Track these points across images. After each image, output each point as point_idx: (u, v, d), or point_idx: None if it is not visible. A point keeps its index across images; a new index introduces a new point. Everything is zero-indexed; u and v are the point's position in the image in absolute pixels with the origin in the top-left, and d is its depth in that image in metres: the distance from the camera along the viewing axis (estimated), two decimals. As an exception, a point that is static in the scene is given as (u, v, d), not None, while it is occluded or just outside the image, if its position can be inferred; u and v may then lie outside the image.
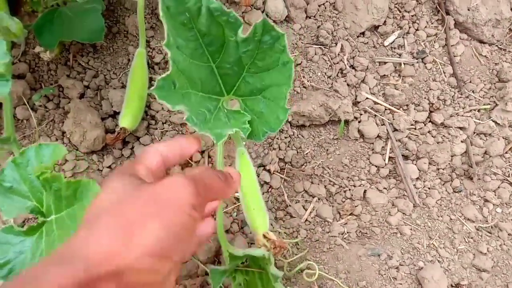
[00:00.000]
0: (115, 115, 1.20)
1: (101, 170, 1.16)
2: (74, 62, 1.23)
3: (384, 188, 1.20)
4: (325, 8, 1.33)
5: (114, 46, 1.24)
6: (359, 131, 1.25)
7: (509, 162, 1.27)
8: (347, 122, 1.26)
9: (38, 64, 1.24)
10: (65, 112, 1.19)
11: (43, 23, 1.12)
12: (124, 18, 1.24)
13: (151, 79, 1.22)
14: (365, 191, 1.19)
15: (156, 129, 1.20)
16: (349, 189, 1.19)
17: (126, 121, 1.12)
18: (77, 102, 1.18)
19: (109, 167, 1.16)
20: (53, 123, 1.19)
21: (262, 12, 1.28)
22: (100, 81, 1.21)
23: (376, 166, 1.23)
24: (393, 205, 1.20)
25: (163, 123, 1.21)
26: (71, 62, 1.23)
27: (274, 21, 1.28)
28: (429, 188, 1.22)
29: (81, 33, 1.11)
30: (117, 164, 1.17)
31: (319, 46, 1.29)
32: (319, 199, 1.18)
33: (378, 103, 1.28)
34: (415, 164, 1.25)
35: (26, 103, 1.20)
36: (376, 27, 1.37)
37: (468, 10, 1.40)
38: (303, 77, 1.25)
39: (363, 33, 1.35)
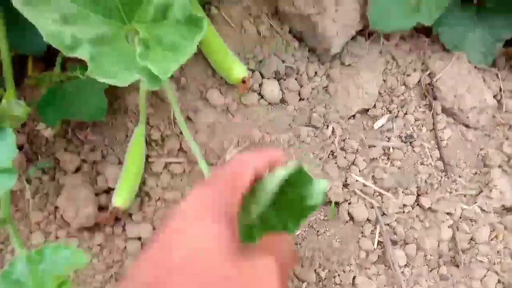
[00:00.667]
0: (109, 191, 1.22)
1: (91, 248, 1.16)
2: (73, 136, 1.26)
3: (373, 274, 1.21)
4: (318, 91, 1.39)
5: (113, 121, 1.27)
6: (349, 213, 1.28)
7: (494, 249, 1.29)
8: (337, 204, 1.29)
9: (37, 136, 1.26)
10: (59, 186, 1.21)
11: (46, 101, 1.16)
12: (125, 95, 1.28)
13: (147, 157, 1.24)
14: (354, 277, 1.20)
15: (150, 206, 1.21)
16: (339, 275, 1.20)
17: (120, 200, 1.13)
18: (72, 177, 1.19)
19: (100, 245, 1.16)
20: (46, 197, 1.20)
21: (258, 94, 1.33)
22: (97, 156, 1.23)
23: (365, 251, 1.25)
24: (381, 291, 1.21)
25: (156, 201, 1.22)
26: (69, 136, 1.26)
27: (269, 103, 1.33)
28: (416, 276, 1.23)
29: (83, 112, 1.15)
30: (107, 241, 1.17)
31: (311, 128, 1.33)
32: (309, 283, 1.18)
33: (368, 186, 1.31)
34: (403, 250, 1.27)
35: (21, 175, 1.21)
36: (366, 110, 1.42)
37: (455, 97, 1.47)
38: (295, 158, 1.29)
39: (353, 116, 1.41)
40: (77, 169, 1.23)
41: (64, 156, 1.22)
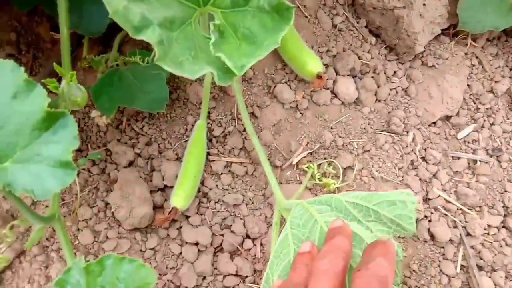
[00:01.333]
0: (165, 189, 1.10)
1: (144, 252, 1.04)
2: (127, 126, 1.15)
3: (458, 304, 1.06)
4: (397, 92, 1.24)
5: (172, 113, 1.15)
6: (429, 232, 1.13)
7: None
8: (416, 220, 1.13)
9: (88, 124, 1.16)
10: (110, 180, 1.09)
11: (102, 86, 1.05)
12: (186, 85, 1.17)
13: (208, 154, 1.12)
14: (437, 307, 1.04)
15: (208, 208, 1.09)
16: (419, 303, 1.05)
17: (178, 201, 1.01)
18: (125, 171, 1.08)
19: (153, 248, 1.04)
20: (96, 191, 1.09)
21: (332, 92, 1.19)
22: (153, 150, 1.12)
23: (447, 276, 1.09)
24: (466, 324, 1.05)
25: (215, 202, 1.10)
26: (123, 126, 1.15)
27: (342, 103, 1.19)
28: (508, 309, 1.07)
29: (143, 101, 1.03)
30: (161, 246, 1.05)
31: (389, 133, 1.19)
32: (384, 310, 1.03)
33: (450, 202, 1.16)
34: (490, 277, 1.11)
35: (70, 165, 1.10)
36: (448, 117, 1.27)
37: (548, 108, 1.30)
38: (372, 166, 1.15)
39: (435, 123, 1.25)
40: (130, 163, 1.12)
41: (117, 148, 1.10)
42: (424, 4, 1.19)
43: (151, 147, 1.12)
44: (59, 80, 0.81)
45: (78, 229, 1.04)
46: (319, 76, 1.10)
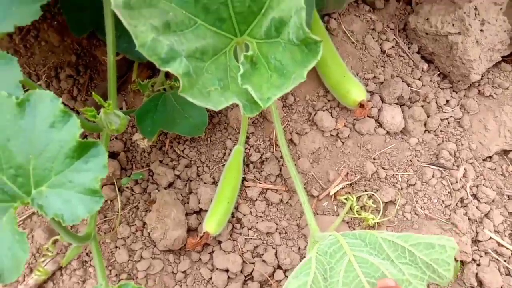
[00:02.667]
0: (200, 212, 1.11)
1: (175, 274, 1.05)
2: (170, 148, 1.18)
3: None
4: (448, 123, 1.17)
5: (212, 137, 1.17)
6: (477, 277, 1.04)
7: None
8: (462, 263, 1.05)
9: (134, 144, 1.21)
10: (150, 200, 1.13)
11: (146, 110, 1.09)
12: (227, 109, 1.18)
13: (243, 179, 1.12)
14: None
15: (240, 234, 1.09)
16: None
17: (211, 226, 1.02)
18: (164, 193, 1.10)
19: (184, 271, 1.05)
20: (136, 210, 1.13)
21: (376, 121, 1.14)
22: (192, 173, 1.14)
23: (496, 329, 0.99)
24: None
25: (248, 229, 1.09)
26: (166, 148, 1.18)
27: (387, 132, 1.14)
28: None
29: (183, 126, 1.06)
30: (192, 269, 1.06)
31: (438, 167, 1.11)
32: None
33: (504, 246, 1.06)
34: (548, 334, 0.99)
35: (114, 183, 1.15)
36: (506, 152, 1.17)
37: None
38: (417, 201, 1.08)
39: (490, 157, 1.16)
40: (170, 185, 1.14)
41: (159, 169, 1.14)
42: (481, 30, 1.12)
43: (190, 170, 1.14)
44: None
45: (116, 247, 1.08)
46: (361, 105, 1.06)
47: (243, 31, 0.78)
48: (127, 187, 1.16)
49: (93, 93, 0.80)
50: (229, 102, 0.72)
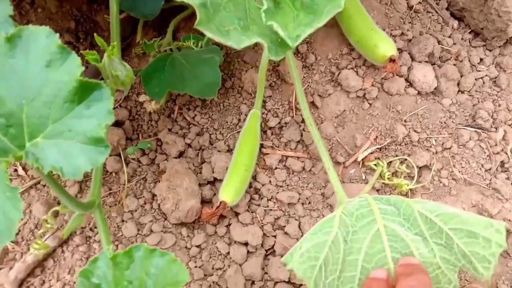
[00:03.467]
0: (214, 182, 1.01)
1: (189, 249, 0.95)
2: (179, 115, 1.08)
3: None
4: (484, 83, 1.06)
5: (225, 102, 1.07)
6: (524, 247, 0.93)
7: None
8: (509, 233, 0.95)
9: (139, 112, 1.11)
10: (159, 171, 1.03)
11: (153, 70, 0.99)
12: (241, 72, 1.08)
13: (261, 146, 1.02)
14: None
15: (259, 205, 0.98)
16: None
17: (227, 195, 0.92)
18: (174, 162, 1.00)
19: (199, 246, 0.95)
20: (144, 182, 1.03)
21: (406, 80, 1.04)
22: (204, 141, 1.04)
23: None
24: None
25: (268, 200, 0.99)
26: (175, 115, 1.08)
27: (419, 92, 1.04)
28: None
29: (194, 86, 0.96)
30: (208, 243, 0.96)
31: (475, 129, 1.01)
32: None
33: (551, 213, 0.96)
34: None
35: (120, 154, 1.05)
36: (548, 113, 1.07)
37: None
38: (454, 166, 0.98)
39: (530, 118, 1.06)
40: (181, 154, 1.04)
41: (168, 138, 1.04)
42: (521, -22, 1.01)
43: (202, 138, 1.04)
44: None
45: (123, 221, 0.98)
46: (392, 60, 0.96)
47: None
48: (133, 158, 1.06)
49: (95, 35, 0.70)
50: (252, 41, 0.63)
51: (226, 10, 0.65)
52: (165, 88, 0.96)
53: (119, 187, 1.03)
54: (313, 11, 0.68)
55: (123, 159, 1.05)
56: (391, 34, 1.07)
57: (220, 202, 0.91)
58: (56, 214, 0.93)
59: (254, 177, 1.01)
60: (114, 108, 1.09)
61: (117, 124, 1.09)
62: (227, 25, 0.63)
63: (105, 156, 0.60)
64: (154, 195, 1.00)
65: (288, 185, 1.00)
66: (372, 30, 0.99)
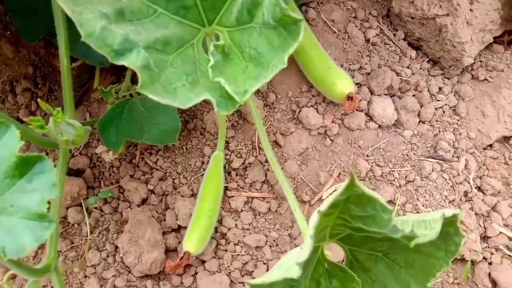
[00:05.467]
0: (179, 229, 0.99)
1: (155, 302, 0.93)
2: (141, 160, 1.06)
3: None
4: (444, 112, 1.08)
5: (188, 145, 1.05)
6: (490, 277, 0.94)
7: None
8: (473, 263, 0.95)
9: (100, 159, 1.08)
10: (122, 220, 1.00)
11: (110, 118, 0.97)
12: (203, 113, 1.07)
13: (226, 189, 1.01)
14: None
15: (226, 251, 0.97)
16: None
17: (191, 244, 0.90)
18: (137, 211, 0.98)
19: (165, 298, 0.93)
20: (106, 233, 1.00)
21: (366, 114, 1.05)
22: (167, 186, 1.02)
23: (517, 334, 0.90)
24: None
25: (235, 244, 0.97)
26: (137, 160, 1.06)
27: (379, 126, 1.04)
28: None
29: (153, 134, 0.94)
30: (175, 295, 0.94)
31: (437, 160, 1.02)
32: None
33: (516, 241, 0.97)
34: None
35: (81, 204, 1.03)
36: (507, 138, 1.09)
37: None
38: (417, 199, 0.98)
39: (491, 145, 1.07)
40: (144, 201, 1.02)
41: (130, 185, 1.02)
42: (471, 10, 1.03)
43: (165, 183, 1.02)
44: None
45: (86, 276, 0.95)
46: (350, 97, 0.96)
47: (211, 20, 0.68)
48: (95, 207, 1.03)
49: (39, 100, 0.68)
50: (199, 99, 0.61)
51: (174, 66, 0.63)
52: (123, 137, 0.94)
53: (81, 240, 1.00)
54: (260, 64, 0.67)
55: (84, 209, 1.02)
56: (349, 69, 1.07)
57: (184, 253, 0.89)
58: (13, 277, 0.90)
59: (220, 221, 0.99)
60: (74, 156, 1.07)
61: (77, 172, 1.06)
62: (174, 82, 0.62)
63: (49, 231, 0.58)
64: (116, 247, 0.97)
65: (254, 228, 0.99)
66: (329, 68, 0.99)
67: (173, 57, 0.64)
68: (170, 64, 0.63)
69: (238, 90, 0.63)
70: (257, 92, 1.08)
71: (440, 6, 1.04)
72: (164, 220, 0.99)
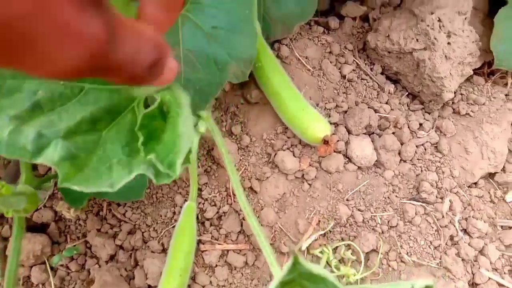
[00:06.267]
0: (149, 289, 0.93)
1: None
2: (108, 212, 0.99)
3: None
4: (425, 149, 1.03)
5: (158, 193, 0.99)
6: (481, 328, 0.89)
7: None
8: (463, 315, 0.90)
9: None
10: (89, 280, 0.93)
11: (72, 173, 0.90)
12: (173, 160, 1.01)
13: (199, 242, 0.95)
14: None
15: (201, 310, 0.90)
16: None
17: (162, 309, 0.84)
18: (103, 271, 0.91)
19: None
20: (72, 294, 0.93)
21: (345, 155, 1.00)
22: (137, 240, 0.95)
23: None
24: None
25: (210, 302, 0.91)
26: (104, 212, 0.99)
27: (359, 167, 0.99)
28: None
29: (118, 190, 0.87)
30: None
31: (420, 203, 0.97)
32: None
33: (505, 286, 0.92)
34: None
35: (45, 262, 0.96)
36: (492, 175, 1.05)
37: None
38: (401, 246, 0.93)
39: (475, 183, 1.03)
40: (111, 257, 0.96)
41: (97, 240, 0.95)
42: (449, 43, 1.00)
43: (134, 237, 0.95)
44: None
45: None
46: (325, 141, 0.91)
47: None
48: (61, 265, 0.96)
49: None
50: (132, 175, 0.55)
51: (107, 143, 0.57)
52: (85, 195, 0.88)
53: (45, 303, 0.93)
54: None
55: (48, 268, 0.95)
56: (325, 107, 1.03)
57: (154, 318, 0.83)
58: None
59: (193, 278, 0.93)
60: (37, 210, 1.00)
61: (41, 228, 0.99)
62: (108, 160, 0.56)
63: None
64: (83, 311, 0.90)
65: (231, 284, 0.93)
66: (303, 110, 0.94)
67: (106, 132, 0.58)
68: (103, 142, 0.57)
69: (170, 165, 0.56)
70: (230, 134, 1.02)
71: (417, 40, 1.00)
72: (133, 278, 0.92)
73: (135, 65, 0.32)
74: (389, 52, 1.05)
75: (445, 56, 0.99)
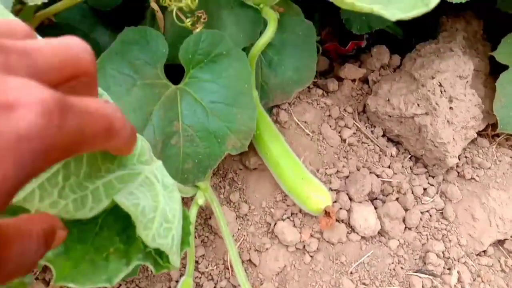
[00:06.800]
0: None
1: None
2: (101, 287, 0.95)
3: None
4: (430, 216, 1.00)
5: (152, 267, 0.95)
6: None
7: None
8: None
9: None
10: None
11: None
12: (169, 230, 0.97)
13: (195, 321, 0.90)
14: None
15: None
16: None
17: None
18: None
19: None
20: None
21: (347, 225, 0.96)
22: (130, 319, 0.91)
23: None
24: None
25: None
26: None
27: (362, 237, 0.96)
28: None
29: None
30: None
31: (427, 275, 0.93)
32: None
33: None
34: None
35: None
36: (501, 242, 1.00)
37: None
38: (408, 325, 0.88)
39: (484, 251, 0.99)
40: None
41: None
42: (451, 108, 0.98)
43: (127, 316, 0.91)
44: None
45: None
46: (326, 213, 0.88)
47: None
48: None
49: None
50: (129, 267, 0.52)
51: (104, 230, 0.54)
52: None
53: None
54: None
55: None
56: (325, 173, 1.00)
57: None
58: None
59: None
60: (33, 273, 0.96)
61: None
62: (105, 250, 0.53)
63: None
64: None
65: None
66: (303, 179, 0.91)
67: (102, 219, 0.55)
68: (100, 230, 0.54)
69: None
70: (229, 201, 0.99)
71: (418, 105, 0.99)
72: None
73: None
74: (390, 116, 1.03)
75: (448, 121, 0.97)
